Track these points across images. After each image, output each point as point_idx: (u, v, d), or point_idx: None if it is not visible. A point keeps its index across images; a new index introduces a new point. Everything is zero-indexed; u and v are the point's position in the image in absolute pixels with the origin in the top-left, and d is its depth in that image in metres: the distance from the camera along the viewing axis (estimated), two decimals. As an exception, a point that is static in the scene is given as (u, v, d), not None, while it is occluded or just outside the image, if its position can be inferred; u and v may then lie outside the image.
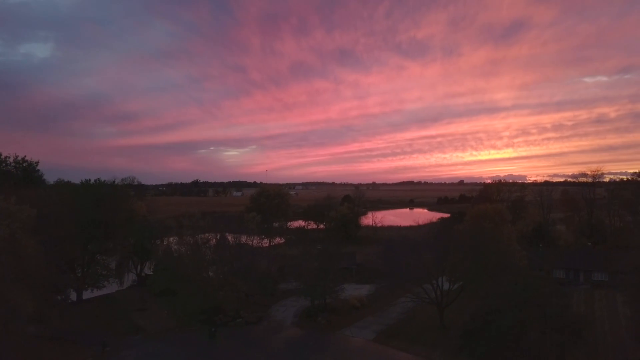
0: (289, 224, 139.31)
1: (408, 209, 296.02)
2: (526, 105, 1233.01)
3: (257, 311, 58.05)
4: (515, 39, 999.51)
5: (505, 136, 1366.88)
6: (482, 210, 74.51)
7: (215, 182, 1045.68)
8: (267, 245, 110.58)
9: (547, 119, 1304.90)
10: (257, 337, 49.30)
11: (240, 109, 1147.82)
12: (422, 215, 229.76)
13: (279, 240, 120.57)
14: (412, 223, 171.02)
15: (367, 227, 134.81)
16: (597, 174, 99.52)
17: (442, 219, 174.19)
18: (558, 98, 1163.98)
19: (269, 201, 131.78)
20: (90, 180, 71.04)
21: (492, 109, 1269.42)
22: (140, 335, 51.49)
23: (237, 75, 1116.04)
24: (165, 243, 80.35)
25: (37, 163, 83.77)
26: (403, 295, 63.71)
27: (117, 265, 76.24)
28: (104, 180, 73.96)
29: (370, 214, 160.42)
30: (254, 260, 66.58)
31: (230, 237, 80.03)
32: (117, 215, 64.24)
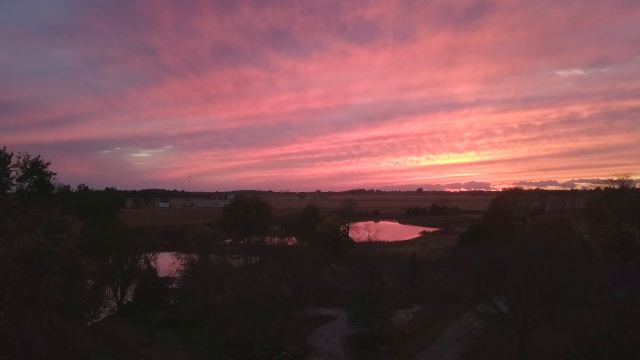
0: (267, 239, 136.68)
1: (373, 221, 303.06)
2: (490, 101, 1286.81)
3: (295, 342, 57.88)
4: (478, 22, 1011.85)
5: (467, 137, 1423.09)
6: (545, 221, 78.79)
7: (125, 190, 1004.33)
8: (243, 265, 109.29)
9: (514, 117, 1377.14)
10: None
11: (150, 100, 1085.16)
12: (397, 230, 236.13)
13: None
14: (396, 238, 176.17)
15: (360, 243, 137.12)
16: (625, 179, 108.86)
17: (437, 233, 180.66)
18: (525, 93, 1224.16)
19: (247, 213, 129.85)
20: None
21: (452, 105, 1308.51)
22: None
23: (146, 59, 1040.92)
24: (151, 263, 77.60)
25: (48, 164, 72.32)
26: (454, 319, 66.67)
27: (90, 291, 72.53)
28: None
29: (356, 226, 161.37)
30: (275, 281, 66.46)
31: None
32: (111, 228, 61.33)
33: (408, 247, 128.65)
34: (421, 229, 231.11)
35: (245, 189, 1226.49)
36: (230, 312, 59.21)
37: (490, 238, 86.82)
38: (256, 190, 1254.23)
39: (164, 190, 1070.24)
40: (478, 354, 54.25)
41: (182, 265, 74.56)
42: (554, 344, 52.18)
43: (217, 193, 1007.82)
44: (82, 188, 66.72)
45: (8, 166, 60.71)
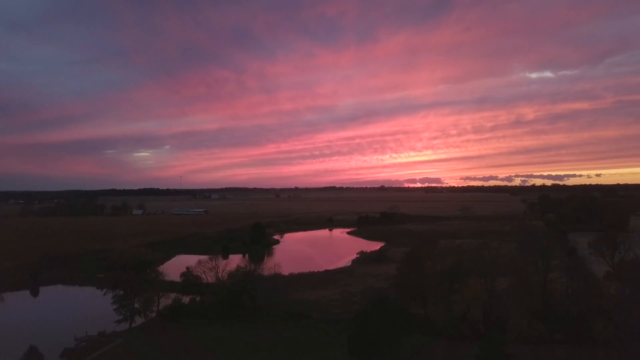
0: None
1: (328, 229, 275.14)
2: (446, 102, 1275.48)
3: None
4: (436, 21, 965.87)
5: (425, 137, 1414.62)
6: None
7: (124, 189, 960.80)
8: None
9: (467, 119, 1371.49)
10: None
11: (131, 103, 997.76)
12: (339, 247, 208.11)
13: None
14: (329, 261, 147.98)
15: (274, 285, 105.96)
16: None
17: (370, 258, 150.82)
18: (478, 95, 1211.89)
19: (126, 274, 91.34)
20: None
21: (412, 107, 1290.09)
22: None
23: (118, 60, 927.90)
24: None
25: None
26: None
27: None
28: None
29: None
30: None
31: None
32: None
33: (327, 292, 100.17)
34: (364, 243, 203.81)
35: (233, 186, 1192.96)
36: None
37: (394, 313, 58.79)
38: (241, 187, 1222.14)
39: (158, 189, 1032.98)
40: None
41: None
42: None
43: (202, 191, 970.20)
44: None
45: None
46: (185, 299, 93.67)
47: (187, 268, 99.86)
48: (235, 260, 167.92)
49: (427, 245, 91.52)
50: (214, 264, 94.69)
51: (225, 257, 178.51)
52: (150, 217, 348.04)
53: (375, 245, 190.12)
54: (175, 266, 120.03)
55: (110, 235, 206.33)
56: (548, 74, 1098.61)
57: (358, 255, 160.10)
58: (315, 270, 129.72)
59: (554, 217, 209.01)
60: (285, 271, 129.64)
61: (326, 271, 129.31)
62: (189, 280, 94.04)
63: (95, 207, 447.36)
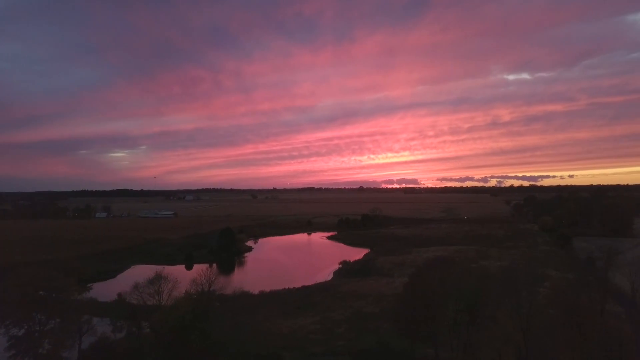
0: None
1: (306, 233, 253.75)
2: (424, 104, 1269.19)
3: None
4: (413, 22, 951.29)
5: (402, 138, 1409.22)
6: None
7: (97, 190, 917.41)
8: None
9: (444, 120, 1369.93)
10: None
11: (104, 102, 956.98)
12: (320, 254, 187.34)
13: None
14: (307, 277, 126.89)
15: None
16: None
17: (355, 270, 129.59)
18: (456, 96, 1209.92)
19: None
20: None
21: (390, 108, 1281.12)
22: None
23: (90, 57, 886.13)
24: None
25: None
26: None
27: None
28: None
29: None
30: None
31: None
32: None
33: (304, 320, 78.85)
34: (346, 250, 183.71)
35: (210, 187, 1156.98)
36: None
37: None
38: (218, 188, 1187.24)
39: (132, 190, 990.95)
40: None
41: None
42: None
43: (177, 192, 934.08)
44: None
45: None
46: (120, 334, 71.32)
47: (119, 295, 77.04)
48: (200, 271, 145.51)
49: (436, 268, 71.07)
50: (156, 288, 72.25)
51: (189, 267, 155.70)
52: (114, 220, 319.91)
53: (359, 253, 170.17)
54: (129, 279, 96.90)
55: (58, 242, 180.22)
56: (525, 75, 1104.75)
57: (340, 266, 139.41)
58: (291, 287, 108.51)
59: (550, 221, 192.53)
60: (255, 288, 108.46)
61: (304, 288, 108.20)
62: (121, 313, 71.48)
63: (57, 209, 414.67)
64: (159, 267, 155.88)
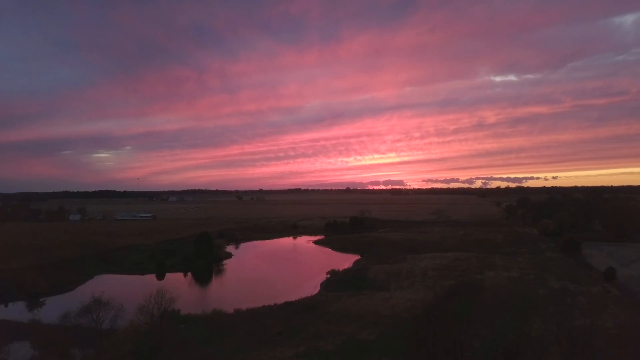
0: None
1: (292, 237, 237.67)
2: (410, 105, 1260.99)
3: None
4: (400, 22, 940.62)
5: (389, 140, 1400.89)
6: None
7: (79, 192, 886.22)
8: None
9: (430, 121, 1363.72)
10: None
11: (87, 102, 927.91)
12: (306, 261, 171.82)
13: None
14: (291, 292, 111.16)
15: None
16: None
17: (346, 281, 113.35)
18: (442, 98, 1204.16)
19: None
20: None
21: (376, 109, 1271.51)
22: None
23: (72, 56, 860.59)
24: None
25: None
26: None
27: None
28: None
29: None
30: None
31: None
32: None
33: (286, 351, 63.16)
34: (335, 257, 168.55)
35: (195, 188, 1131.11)
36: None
37: None
38: (204, 189, 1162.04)
39: (115, 191, 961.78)
40: None
41: None
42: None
43: (161, 193, 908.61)
44: None
45: None
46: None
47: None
48: (172, 282, 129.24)
49: (459, 294, 56.03)
50: (94, 315, 55.90)
51: (160, 277, 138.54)
52: (87, 223, 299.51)
53: (348, 260, 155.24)
54: (90, 293, 79.31)
55: (15, 248, 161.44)
56: (511, 77, 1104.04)
57: (328, 276, 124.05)
58: (272, 304, 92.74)
59: (551, 225, 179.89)
60: (230, 304, 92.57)
61: (286, 304, 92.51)
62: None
63: (29, 211, 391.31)
64: (127, 277, 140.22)
